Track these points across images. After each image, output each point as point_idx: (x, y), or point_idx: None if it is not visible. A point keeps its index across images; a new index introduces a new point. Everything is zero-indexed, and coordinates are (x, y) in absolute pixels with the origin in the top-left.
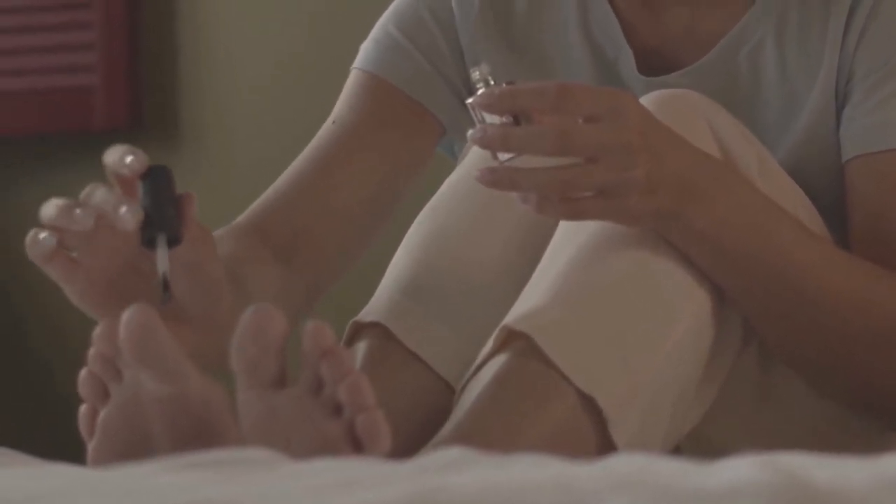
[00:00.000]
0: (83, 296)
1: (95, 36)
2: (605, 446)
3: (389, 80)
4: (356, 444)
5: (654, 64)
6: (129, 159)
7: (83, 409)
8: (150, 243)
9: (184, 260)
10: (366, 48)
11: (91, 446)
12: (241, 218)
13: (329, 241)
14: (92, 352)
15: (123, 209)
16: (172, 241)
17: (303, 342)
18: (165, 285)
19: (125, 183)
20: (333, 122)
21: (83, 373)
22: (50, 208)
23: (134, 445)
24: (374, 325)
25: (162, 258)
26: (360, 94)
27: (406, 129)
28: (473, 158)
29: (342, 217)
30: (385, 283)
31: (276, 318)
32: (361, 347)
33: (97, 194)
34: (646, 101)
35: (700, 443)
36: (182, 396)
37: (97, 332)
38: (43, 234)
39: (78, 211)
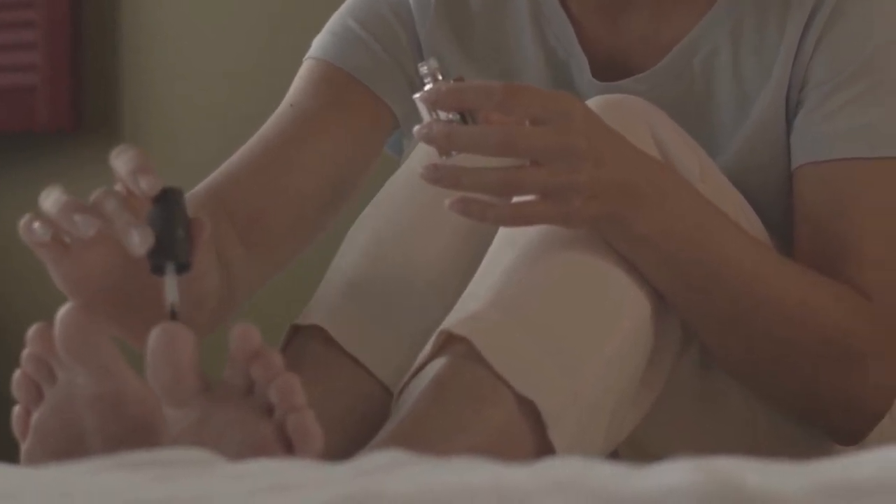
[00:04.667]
0: (67, 279)
1: (38, 35)
2: (544, 450)
3: (346, 70)
4: (287, 445)
5: (610, 69)
6: (143, 183)
7: (17, 409)
8: (158, 269)
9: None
10: (321, 39)
11: (25, 447)
12: (201, 190)
13: (281, 225)
14: (26, 353)
15: (134, 233)
16: (181, 269)
17: (230, 345)
18: (173, 315)
19: (133, 195)
20: (291, 105)
21: (17, 374)
22: (50, 203)
23: (68, 445)
24: (313, 328)
25: (171, 287)
26: (317, 82)
27: (362, 119)
28: (417, 157)
29: (296, 202)
30: (325, 285)
31: (183, 336)
32: (300, 350)
33: (108, 205)
34: (590, 104)
35: (638, 447)
36: (116, 395)
37: (31, 333)
38: (37, 225)
39: (78, 217)
